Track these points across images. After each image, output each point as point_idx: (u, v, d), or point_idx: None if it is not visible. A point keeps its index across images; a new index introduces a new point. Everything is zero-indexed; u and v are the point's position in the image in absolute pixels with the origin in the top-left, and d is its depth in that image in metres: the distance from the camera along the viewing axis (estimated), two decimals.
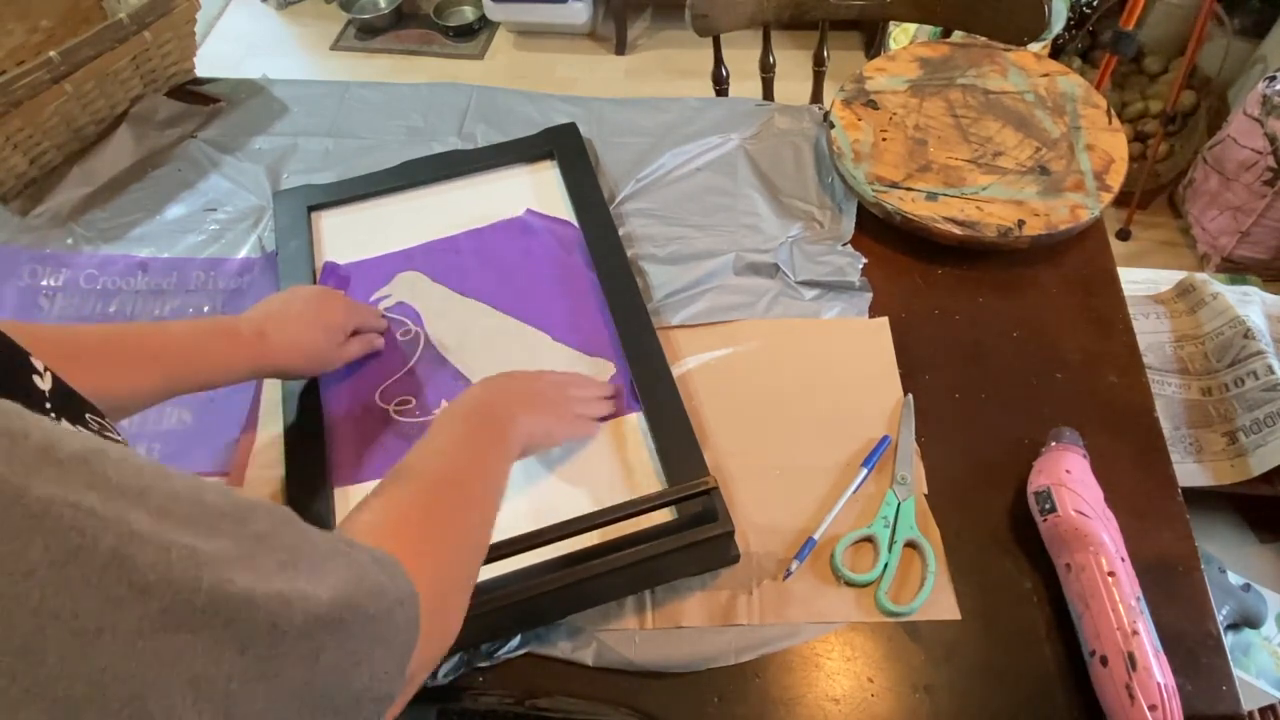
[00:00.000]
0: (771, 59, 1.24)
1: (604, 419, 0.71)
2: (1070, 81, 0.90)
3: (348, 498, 0.68)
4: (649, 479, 0.68)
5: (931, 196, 0.81)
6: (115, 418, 0.54)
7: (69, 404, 0.39)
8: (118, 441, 0.40)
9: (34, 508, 0.22)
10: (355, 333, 0.73)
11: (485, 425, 0.57)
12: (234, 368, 0.63)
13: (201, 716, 0.24)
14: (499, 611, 0.58)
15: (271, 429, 0.73)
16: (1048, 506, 0.61)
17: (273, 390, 0.75)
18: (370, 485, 0.68)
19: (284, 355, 0.66)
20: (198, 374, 0.62)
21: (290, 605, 0.27)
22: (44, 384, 0.39)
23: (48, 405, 0.38)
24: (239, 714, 0.25)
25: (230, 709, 0.25)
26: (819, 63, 1.24)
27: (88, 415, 0.40)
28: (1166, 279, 1.31)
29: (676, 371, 0.73)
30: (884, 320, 0.78)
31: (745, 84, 1.30)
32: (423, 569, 0.38)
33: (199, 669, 0.24)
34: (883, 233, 0.84)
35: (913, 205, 0.80)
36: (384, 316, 0.78)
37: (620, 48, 2.41)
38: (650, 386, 0.71)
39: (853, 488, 0.67)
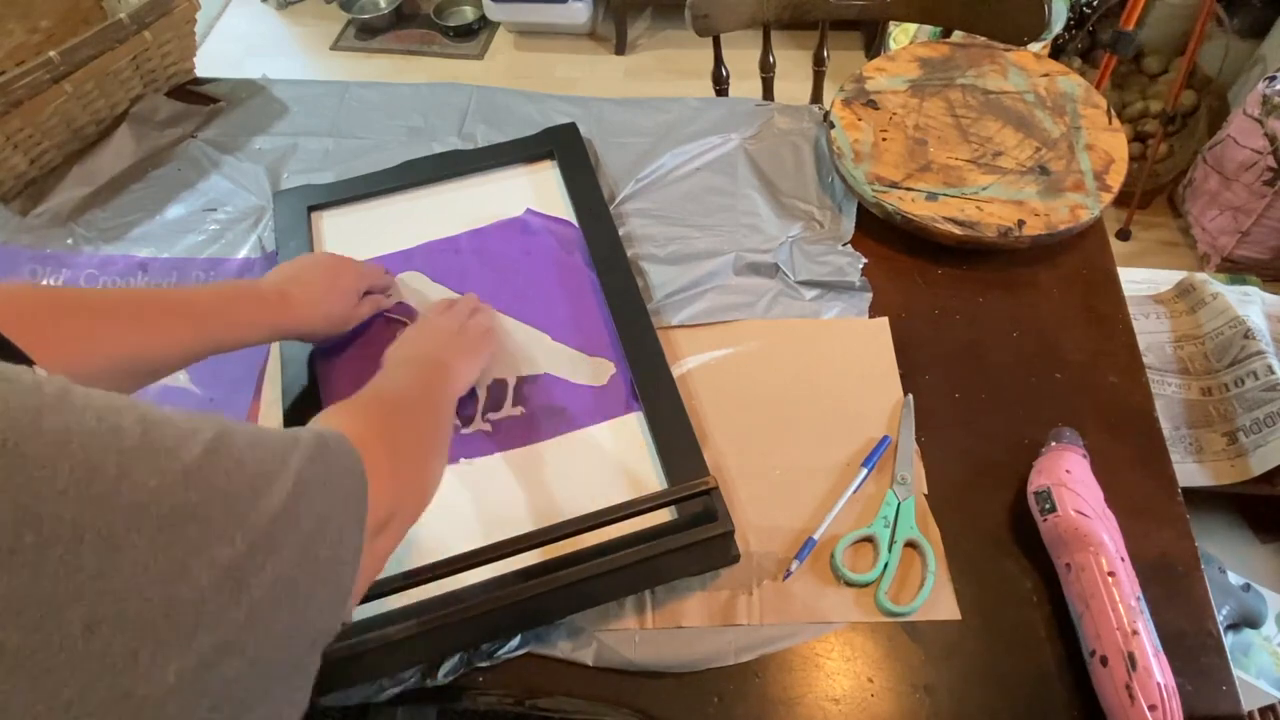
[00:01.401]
0: (771, 59, 1.24)
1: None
2: (1070, 81, 0.90)
3: None
4: (649, 479, 0.68)
5: (931, 196, 0.81)
6: (146, 381, 0.60)
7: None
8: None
9: (52, 434, 0.24)
10: (366, 294, 0.76)
11: (434, 371, 0.63)
12: (259, 327, 0.66)
13: (222, 592, 0.27)
14: (499, 611, 0.58)
15: (273, 420, 0.73)
16: (1048, 506, 0.61)
17: (272, 388, 0.75)
18: None
19: (306, 317, 0.69)
20: (225, 334, 0.63)
21: (266, 488, 0.30)
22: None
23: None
24: (253, 583, 0.28)
25: (244, 581, 0.28)
26: (819, 63, 1.24)
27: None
28: (1166, 279, 1.31)
29: (676, 371, 0.73)
30: (884, 320, 0.78)
31: (745, 84, 1.30)
32: (373, 443, 0.42)
33: (213, 552, 0.27)
34: (883, 233, 0.84)
35: (913, 205, 0.80)
36: (387, 273, 0.81)
37: (620, 48, 2.41)
38: (650, 386, 0.71)
39: (853, 488, 0.67)
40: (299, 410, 0.72)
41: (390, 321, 0.79)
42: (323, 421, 0.48)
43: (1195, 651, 0.60)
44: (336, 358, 0.76)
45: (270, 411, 0.74)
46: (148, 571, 0.25)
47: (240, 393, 0.75)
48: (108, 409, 0.26)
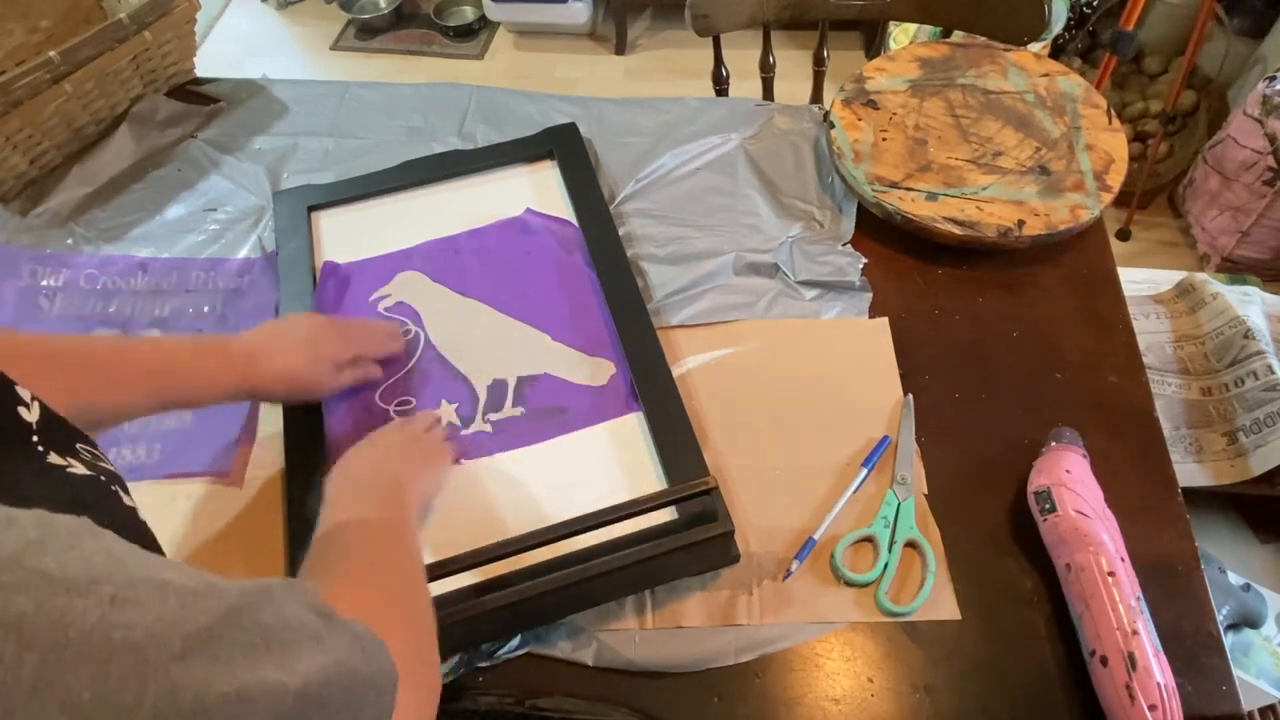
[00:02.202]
0: (771, 59, 1.24)
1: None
2: (1070, 81, 0.90)
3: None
4: (649, 479, 0.68)
5: (931, 196, 0.81)
6: (100, 430, 0.54)
7: (58, 435, 0.37)
8: (108, 471, 0.38)
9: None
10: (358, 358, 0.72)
11: (383, 500, 0.56)
12: (220, 388, 0.63)
13: None
14: (499, 611, 0.58)
15: (271, 429, 0.73)
16: (1048, 506, 0.61)
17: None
18: None
19: (268, 381, 0.65)
20: (184, 392, 0.61)
21: (253, 704, 0.25)
22: (30, 415, 0.37)
23: (34, 438, 0.36)
24: None
25: None
26: (819, 63, 1.24)
27: (78, 445, 0.38)
28: (1166, 279, 1.31)
29: (676, 371, 0.73)
30: (884, 320, 0.78)
31: (745, 84, 1.30)
32: (397, 646, 0.35)
33: None
34: (883, 233, 0.84)
35: (913, 205, 0.80)
36: (395, 323, 0.77)
37: (620, 48, 2.41)
38: (650, 386, 0.71)
39: (853, 488, 0.67)
40: (296, 415, 0.72)
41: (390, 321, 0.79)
42: (330, 594, 0.37)
43: (1195, 651, 0.60)
44: None
45: (270, 412, 0.74)
46: None
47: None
48: (64, 583, 0.22)
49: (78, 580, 0.22)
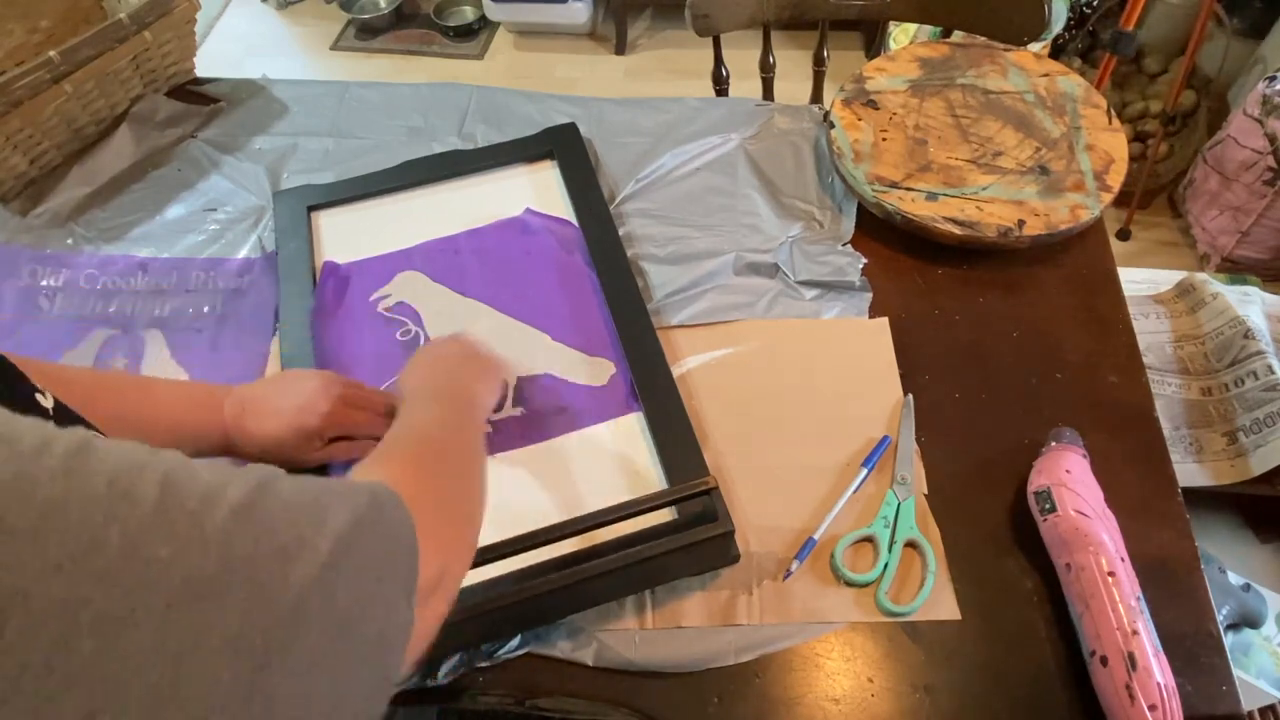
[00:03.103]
0: (771, 59, 1.24)
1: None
2: (1070, 81, 0.90)
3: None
4: (649, 479, 0.68)
5: (931, 196, 0.81)
6: None
7: (70, 422, 0.39)
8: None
9: (47, 505, 0.22)
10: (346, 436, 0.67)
11: (462, 402, 0.59)
12: (208, 442, 0.62)
13: (240, 676, 0.24)
14: (499, 611, 0.58)
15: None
16: (1048, 506, 0.61)
17: None
18: None
19: (250, 445, 0.63)
20: (169, 441, 0.60)
21: (298, 555, 0.28)
22: (46, 402, 0.39)
23: (50, 423, 0.39)
24: (276, 666, 0.25)
25: (267, 664, 0.25)
26: (819, 63, 1.24)
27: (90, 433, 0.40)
28: (1166, 279, 1.31)
29: (676, 371, 0.73)
30: (884, 320, 0.78)
31: (745, 84, 1.30)
32: (422, 499, 0.38)
33: (232, 630, 0.24)
34: (883, 233, 0.84)
35: (913, 205, 0.80)
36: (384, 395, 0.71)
37: (620, 48, 2.41)
38: (650, 386, 0.71)
39: (853, 488, 0.67)
40: None
41: (390, 321, 0.79)
42: (365, 473, 0.44)
43: (1195, 651, 0.60)
44: (338, 358, 0.76)
45: None
46: (154, 655, 0.22)
47: None
48: (124, 470, 0.24)
49: (136, 463, 0.25)
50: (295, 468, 0.63)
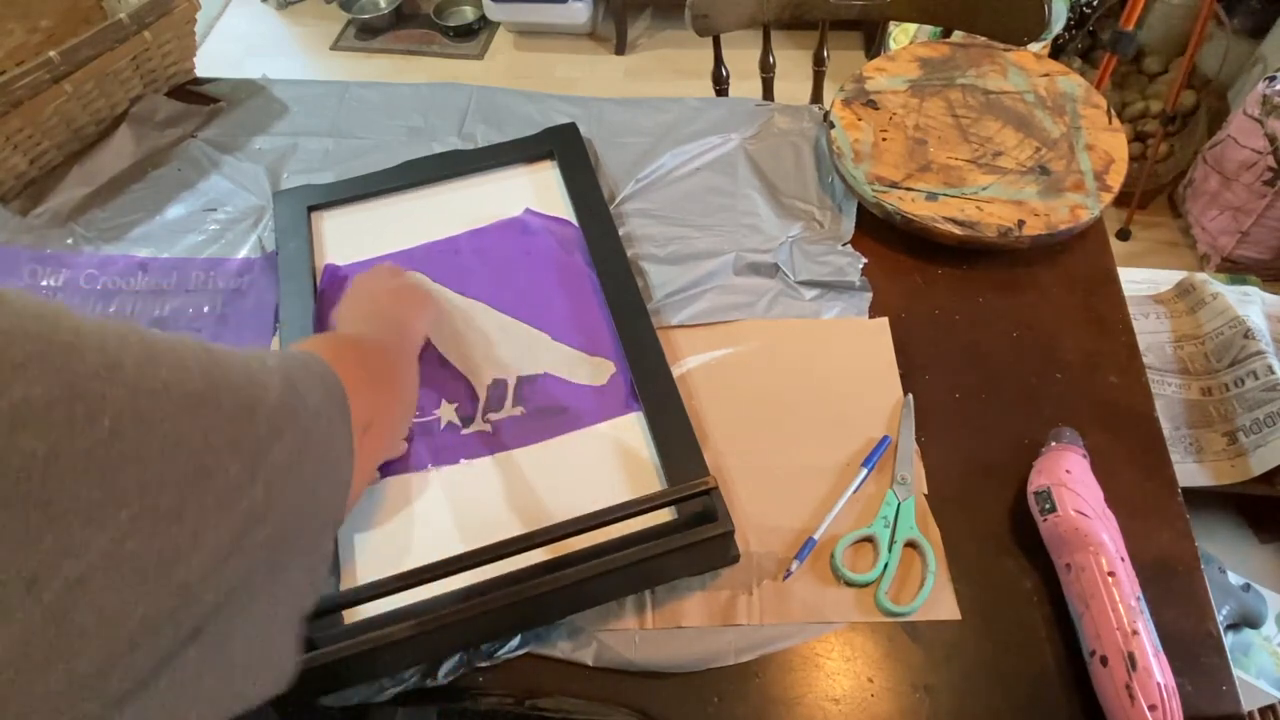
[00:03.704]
0: (771, 59, 1.24)
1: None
2: (1070, 81, 0.90)
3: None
4: (649, 479, 0.68)
5: (931, 196, 0.81)
6: None
7: None
8: None
9: (71, 336, 0.26)
10: None
11: (391, 324, 0.66)
12: None
13: (243, 471, 0.31)
14: (499, 611, 0.58)
15: None
16: (1048, 506, 0.61)
17: None
18: (371, 485, 0.69)
19: None
20: None
21: (264, 380, 0.34)
22: None
23: None
24: (267, 464, 0.32)
25: (260, 459, 0.32)
26: (819, 63, 1.24)
27: None
28: (1166, 279, 1.31)
29: (676, 371, 0.73)
30: (884, 320, 0.78)
31: (745, 84, 1.30)
32: (344, 363, 0.45)
33: (233, 432, 0.31)
34: (883, 233, 0.84)
35: (913, 205, 0.80)
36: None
37: (620, 48, 2.41)
38: (650, 386, 0.71)
39: (853, 488, 0.67)
40: None
41: None
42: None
43: (1195, 651, 0.60)
44: None
45: None
46: (178, 446, 0.28)
47: None
48: (103, 325, 0.28)
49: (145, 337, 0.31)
50: None
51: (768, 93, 1.26)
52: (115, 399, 0.26)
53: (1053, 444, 0.66)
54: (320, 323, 0.78)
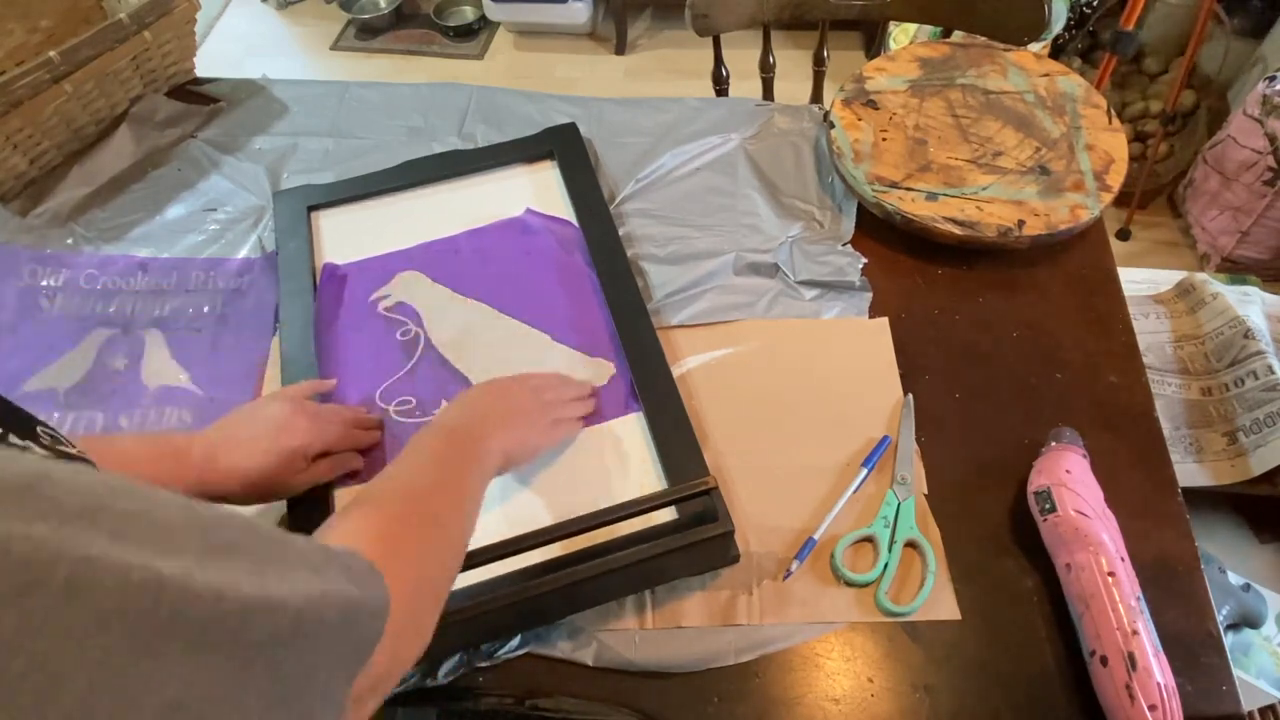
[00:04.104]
0: (771, 59, 1.24)
1: (587, 421, 0.71)
2: (1070, 81, 0.90)
3: (348, 498, 0.68)
4: (649, 479, 0.68)
5: (931, 196, 0.81)
6: None
7: (15, 417, 0.37)
8: (71, 455, 0.39)
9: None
10: (327, 453, 0.66)
11: (458, 445, 0.57)
12: (181, 488, 0.57)
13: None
14: (499, 611, 0.58)
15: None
16: (1048, 506, 0.61)
17: (273, 389, 0.75)
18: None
19: (226, 482, 0.60)
20: None
21: (254, 615, 0.26)
22: None
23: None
24: None
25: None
26: (819, 63, 1.24)
27: (38, 429, 0.38)
28: (1166, 279, 1.31)
29: (676, 371, 0.73)
30: (884, 320, 0.78)
31: (745, 84, 1.30)
32: (397, 577, 0.38)
33: (171, 693, 0.23)
34: (883, 233, 0.84)
35: (913, 205, 0.80)
36: (376, 416, 0.71)
37: (620, 48, 2.41)
38: (650, 386, 0.71)
39: (853, 488, 0.67)
40: None
41: (390, 322, 0.79)
42: (349, 524, 0.45)
43: (1195, 651, 0.60)
44: (339, 357, 0.76)
45: None
46: (89, 713, 0.21)
47: (240, 392, 0.75)
48: (84, 504, 0.23)
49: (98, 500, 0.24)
50: (284, 495, 0.64)
51: (768, 93, 1.26)
52: (8, 643, 0.20)
53: (1053, 444, 0.66)
54: (320, 323, 0.78)
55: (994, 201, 0.80)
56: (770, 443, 0.71)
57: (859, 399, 0.73)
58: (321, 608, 0.30)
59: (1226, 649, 0.60)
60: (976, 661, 0.60)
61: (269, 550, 0.29)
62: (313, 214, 0.87)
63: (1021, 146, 0.85)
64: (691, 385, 0.74)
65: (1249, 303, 1.17)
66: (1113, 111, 0.87)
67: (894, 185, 0.82)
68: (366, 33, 2.52)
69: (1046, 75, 0.91)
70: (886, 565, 0.63)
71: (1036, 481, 0.64)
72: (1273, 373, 1.06)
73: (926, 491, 0.68)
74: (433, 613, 0.46)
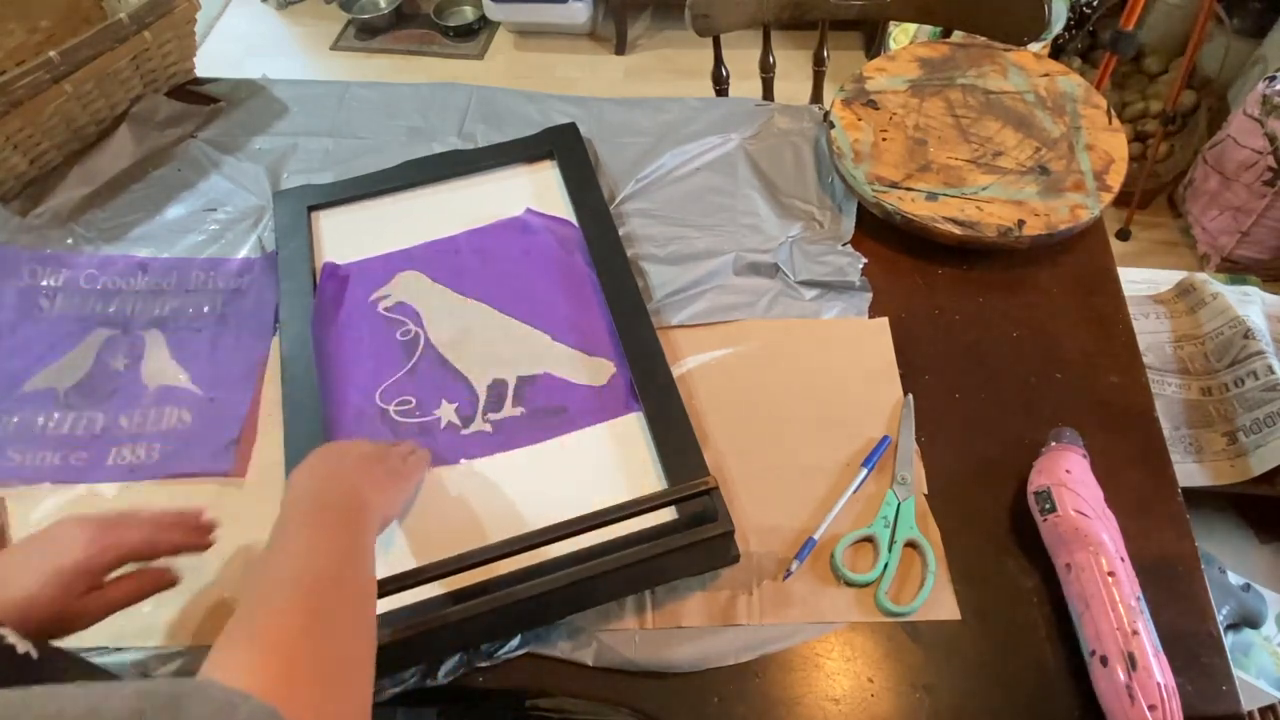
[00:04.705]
0: (771, 59, 1.24)
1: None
2: (1070, 81, 0.90)
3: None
4: (649, 479, 0.68)
5: (931, 196, 0.81)
6: None
7: None
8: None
9: None
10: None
11: (336, 522, 0.51)
12: None
13: None
14: (499, 611, 0.58)
15: (271, 429, 0.73)
16: (1048, 506, 0.61)
17: (272, 388, 0.75)
18: None
19: (5, 615, 0.46)
20: None
21: None
22: None
23: None
24: None
25: None
26: (819, 63, 1.24)
27: None
28: (1166, 279, 1.31)
29: (676, 371, 0.73)
30: (884, 320, 0.78)
31: (745, 84, 1.30)
32: (306, 706, 0.36)
33: None
34: (883, 233, 0.84)
35: (913, 205, 0.80)
36: (206, 518, 0.59)
37: (620, 48, 2.41)
38: (650, 386, 0.71)
39: (853, 488, 0.67)
40: (299, 410, 0.72)
41: (390, 321, 0.79)
42: (231, 658, 0.39)
43: (1195, 651, 0.60)
44: (339, 357, 0.76)
45: (270, 411, 0.74)
46: None
47: (240, 392, 0.75)
48: None
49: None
50: (79, 627, 0.51)
51: (768, 93, 1.26)
52: None
53: (1053, 444, 0.66)
54: (320, 322, 0.78)
55: (994, 201, 0.80)
56: (770, 443, 0.71)
57: (859, 399, 0.73)
58: None
59: (1226, 649, 0.60)
60: (976, 661, 0.60)
61: None
62: (313, 214, 0.87)
63: (1021, 146, 0.85)
64: (691, 385, 0.74)
65: (1249, 303, 1.17)
66: (1113, 111, 0.87)
67: (894, 185, 0.82)
68: (366, 33, 2.52)
69: (1046, 75, 0.91)
70: (886, 565, 0.63)
71: (1036, 481, 0.64)
72: (1273, 373, 1.06)
73: (926, 491, 0.68)
74: (361, 691, 0.42)
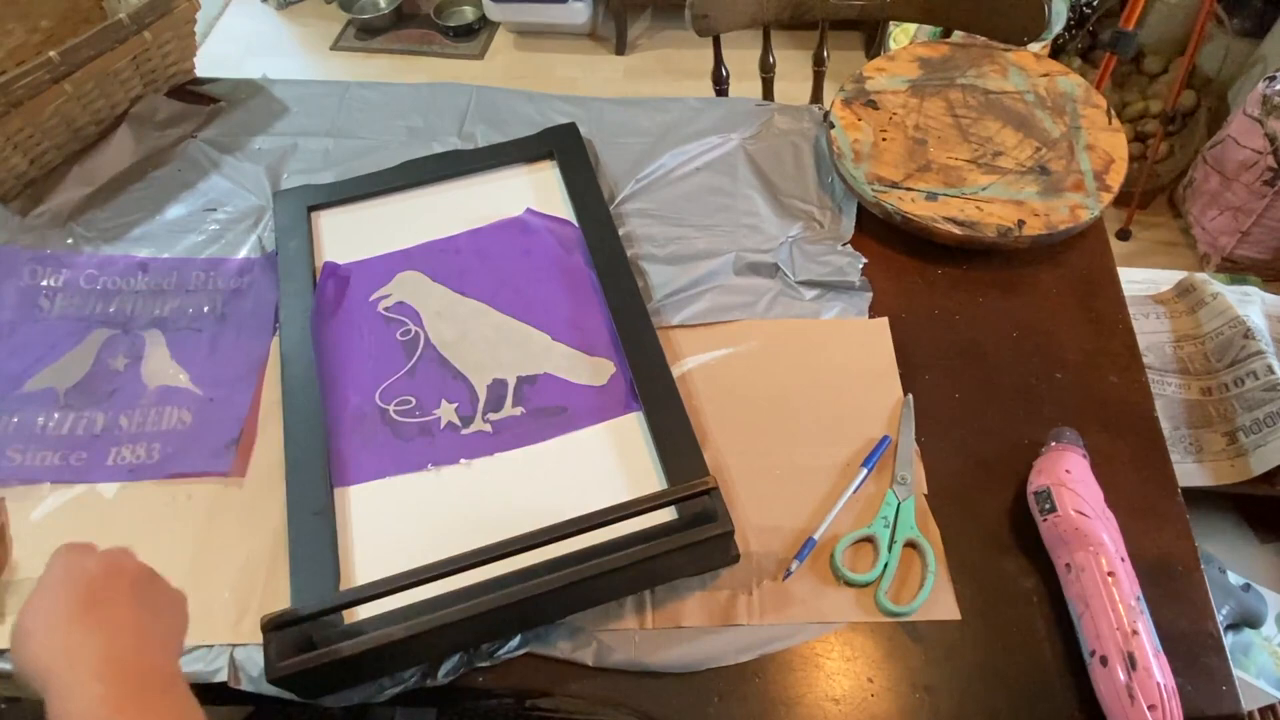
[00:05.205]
0: (771, 59, 1.24)
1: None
2: (1070, 81, 0.90)
3: (347, 498, 0.68)
4: (649, 479, 0.68)
5: (931, 196, 0.81)
6: None
7: None
8: None
9: None
10: None
11: (138, 708, 0.41)
12: None
13: None
14: (499, 611, 0.58)
15: (271, 429, 0.73)
16: (1048, 506, 0.61)
17: (272, 388, 0.75)
18: (371, 485, 0.69)
19: None
20: None
21: None
22: None
23: None
24: None
25: None
26: (819, 63, 1.24)
27: None
28: (1166, 279, 1.31)
29: (676, 371, 0.73)
30: (884, 320, 0.78)
31: (745, 84, 1.30)
32: None
33: None
34: (883, 233, 0.84)
35: (913, 205, 0.80)
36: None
37: (620, 48, 2.41)
38: (650, 386, 0.71)
39: (853, 488, 0.67)
40: (298, 411, 0.72)
41: (390, 321, 0.79)
42: None
43: (1195, 651, 0.60)
44: (339, 356, 0.76)
45: (270, 412, 0.74)
46: None
47: (240, 392, 0.75)
48: None
49: None
50: None
51: (768, 93, 1.26)
52: None
53: (1053, 444, 0.66)
54: (320, 322, 0.78)
55: (994, 201, 0.80)
56: (770, 443, 0.71)
57: (859, 399, 0.73)
58: None
59: (1226, 649, 0.60)
60: (976, 661, 0.60)
61: None
62: (313, 214, 0.87)
63: (1021, 146, 0.85)
64: (691, 385, 0.74)
65: (1249, 303, 1.17)
66: (1113, 111, 0.87)
67: (894, 185, 0.82)
68: (366, 33, 2.52)
69: (1046, 75, 0.91)
70: (886, 565, 0.63)
71: (1036, 481, 0.64)
72: (1273, 373, 1.06)
73: (926, 491, 0.68)
74: None
